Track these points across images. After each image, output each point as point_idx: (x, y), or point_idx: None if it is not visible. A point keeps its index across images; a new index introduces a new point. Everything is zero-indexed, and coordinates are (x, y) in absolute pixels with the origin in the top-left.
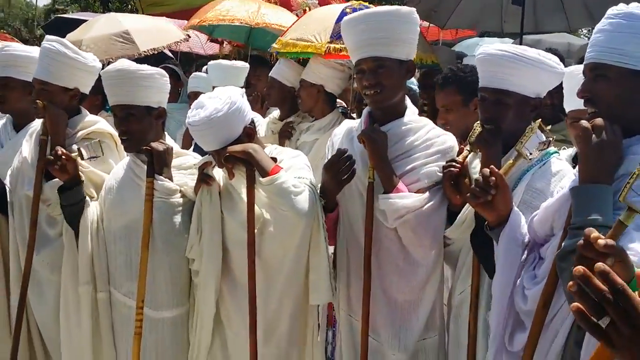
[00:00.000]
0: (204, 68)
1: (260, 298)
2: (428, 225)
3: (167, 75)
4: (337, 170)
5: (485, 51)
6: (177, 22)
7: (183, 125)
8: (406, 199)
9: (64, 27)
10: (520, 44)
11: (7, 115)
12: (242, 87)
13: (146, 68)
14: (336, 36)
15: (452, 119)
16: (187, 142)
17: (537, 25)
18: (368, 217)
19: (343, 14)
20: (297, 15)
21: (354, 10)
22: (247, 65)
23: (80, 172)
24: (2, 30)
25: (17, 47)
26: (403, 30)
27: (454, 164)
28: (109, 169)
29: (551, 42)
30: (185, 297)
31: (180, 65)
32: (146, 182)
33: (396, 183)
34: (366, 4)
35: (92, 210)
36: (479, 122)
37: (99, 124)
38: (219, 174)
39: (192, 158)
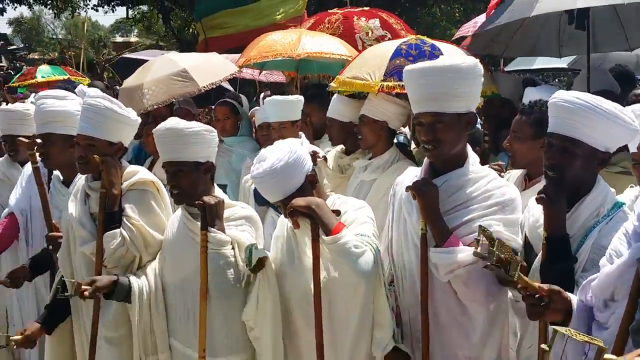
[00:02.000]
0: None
1: (328, 354)
2: (481, 280)
3: (214, 130)
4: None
5: (560, 97)
6: (229, 57)
7: (247, 158)
8: (457, 253)
9: (127, 66)
10: (588, 67)
11: (55, 174)
12: (299, 120)
13: (194, 125)
14: (390, 74)
15: (517, 148)
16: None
17: (596, 46)
18: (423, 268)
19: (398, 51)
20: (360, 38)
21: (410, 47)
22: (301, 98)
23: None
24: (69, 52)
25: (54, 103)
26: (463, 85)
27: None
28: (156, 219)
29: (619, 58)
30: (242, 344)
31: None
32: (200, 235)
33: (447, 237)
34: (423, 38)
35: (143, 283)
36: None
37: (140, 173)
38: (283, 223)
39: (240, 209)
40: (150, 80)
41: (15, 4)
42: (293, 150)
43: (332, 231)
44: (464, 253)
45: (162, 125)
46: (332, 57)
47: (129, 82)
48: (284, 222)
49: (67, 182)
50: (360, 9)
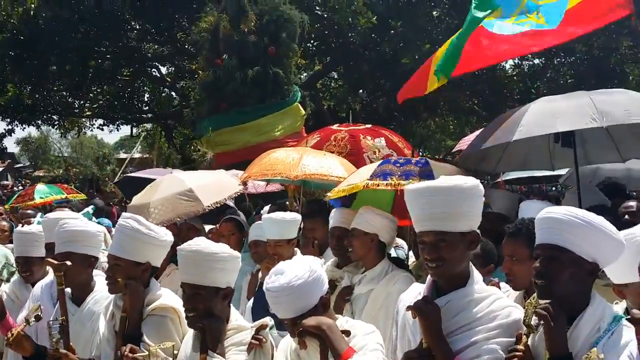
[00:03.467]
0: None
1: None
2: None
3: (239, 256)
4: None
5: (548, 210)
6: (234, 173)
7: (247, 274)
8: None
9: (132, 184)
10: (577, 181)
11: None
12: (295, 238)
13: (222, 250)
14: (376, 175)
15: (517, 271)
16: (251, 291)
17: (589, 159)
18: None
19: (387, 160)
20: (368, 158)
21: (399, 158)
22: (298, 217)
23: None
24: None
25: (75, 223)
26: (466, 204)
27: (516, 353)
28: (169, 351)
29: (610, 170)
30: None
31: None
32: (199, 358)
33: (451, 359)
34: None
35: None
36: (531, 300)
37: (162, 298)
38: (284, 348)
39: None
40: (157, 199)
41: (24, 125)
42: (313, 269)
43: (341, 356)
44: None
45: (189, 245)
46: (330, 179)
47: (137, 199)
48: (286, 346)
49: (78, 301)
50: (364, 126)
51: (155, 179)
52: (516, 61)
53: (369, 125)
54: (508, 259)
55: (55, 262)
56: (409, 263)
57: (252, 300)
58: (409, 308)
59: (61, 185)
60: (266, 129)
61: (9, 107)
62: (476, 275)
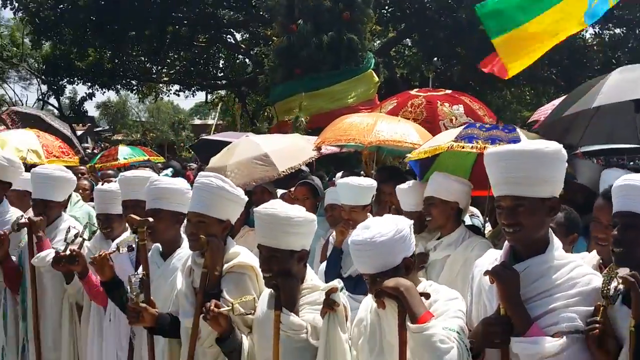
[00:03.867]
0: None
1: None
2: None
3: (314, 219)
4: (494, 332)
5: (624, 178)
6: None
7: (321, 238)
8: (541, 344)
9: (207, 148)
10: None
11: (155, 246)
12: (369, 204)
13: (298, 214)
14: (461, 138)
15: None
16: (324, 254)
17: None
18: (503, 356)
19: (472, 124)
20: (444, 125)
21: (483, 125)
22: (373, 184)
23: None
24: (151, 134)
25: (164, 180)
26: (547, 169)
27: (595, 325)
28: (250, 303)
29: None
30: None
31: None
32: (274, 315)
33: (529, 326)
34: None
35: (247, 346)
36: (608, 271)
37: (240, 256)
38: (366, 307)
39: None
40: (233, 162)
41: (104, 89)
42: (400, 228)
43: (418, 320)
44: (549, 344)
45: (264, 207)
46: (405, 145)
47: (213, 162)
48: (367, 306)
49: (165, 256)
50: (443, 92)
51: (230, 142)
52: (597, 30)
53: (448, 91)
54: (602, 225)
55: (138, 218)
56: (485, 232)
57: (324, 263)
58: (486, 273)
59: (142, 147)
60: (339, 95)
61: (89, 71)
62: (556, 242)
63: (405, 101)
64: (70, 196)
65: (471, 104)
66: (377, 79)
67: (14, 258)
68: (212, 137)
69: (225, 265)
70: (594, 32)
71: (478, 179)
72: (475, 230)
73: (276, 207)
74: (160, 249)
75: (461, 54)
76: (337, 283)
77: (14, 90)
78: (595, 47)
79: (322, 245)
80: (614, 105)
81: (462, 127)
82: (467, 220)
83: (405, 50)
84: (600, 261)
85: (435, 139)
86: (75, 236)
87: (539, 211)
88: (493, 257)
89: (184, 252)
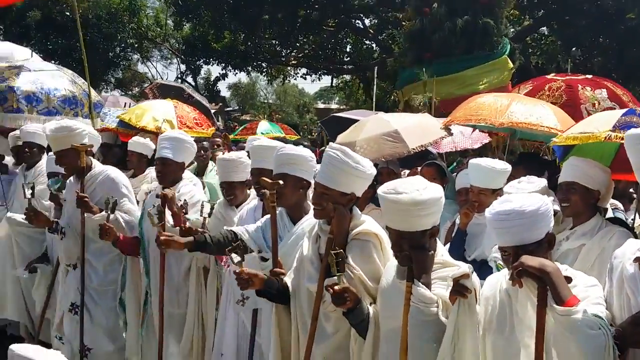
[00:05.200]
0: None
1: None
2: None
3: (442, 195)
4: None
5: None
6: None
7: (447, 221)
8: None
9: (337, 124)
10: None
11: (281, 210)
12: (500, 189)
13: (426, 198)
14: (620, 127)
15: None
16: (448, 237)
17: None
18: None
19: (632, 110)
20: (585, 109)
21: None
22: (507, 168)
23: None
24: (277, 115)
25: (290, 148)
26: None
27: None
28: (374, 269)
29: None
30: None
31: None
32: (405, 286)
33: None
34: None
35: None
36: None
37: (365, 224)
38: (494, 283)
39: (459, 269)
40: (362, 138)
41: (236, 70)
42: (545, 201)
43: (565, 303)
44: None
45: (387, 192)
46: (540, 129)
47: (342, 138)
48: (495, 284)
49: (294, 220)
50: (583, 76)
51: (359, 120)
52: None
53: (589, 76)
54: None
55: (269, 181)
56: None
57: (447, 245)
58: (637, 259)
59: (281, 124)
60: (471, 81)
61: (224, 53)
62: None
63: (542, 85)
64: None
65: (614, 88)
66: (511, 65)
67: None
68: (341, 114)
69: (351, 232)
70: None
71: (621, 163)
72: (618, 222)
73: (400, 191)
74: (287, 214)
75: (604, 44)
76: (468, 269)
77: (156, 69)
78: None
79: (447, 228)
80: None
81: (620, 113)
82: (610, 213)
83: (542, 39)
84: None
85: (587, 124)
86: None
87: None
88: (635, 246)
89: (311, 219)
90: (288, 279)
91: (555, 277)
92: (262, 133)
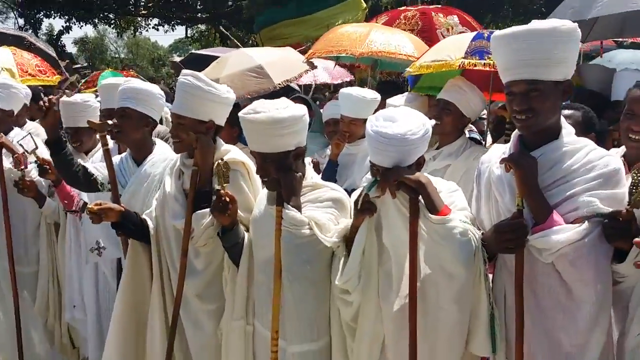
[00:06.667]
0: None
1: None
2: (589, 258)
3: (304, 114)
4: (507, 239)
5: None
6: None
7: (315, 154)
8: (562, 233)
9: (198, 62)
10: None
11: (125, 153)
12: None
13: (284, 114)
14: (471, 53)
15: None
16: (316, 171)
17: None
18: (519, 252)
19: (479, 34)
20: (441, 34)
21: (491, 32)
22: (377, 96)
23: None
24: (131, 71)
25: (136, 82)
26: (561, 49)
27: (614, 226)
28: (244, 198)
29: None
30: (315, 332)
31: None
32: (275, 210)
33: (549, 213)
34: None
35: (247, 241)
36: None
37: (231, 152)
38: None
39: (330, 190)
40: (225, 75)
41: (81, 23)
42: (427, 128)
43: (439, 212)
44: (570, 232)
45: (247, 113)
46: (398, 57)
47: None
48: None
49: (138, 161)
50: (435, 5)
51: (220, 57)
52: None
53: (439, 5)
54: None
55: (97, 122)
56: (486, 143)
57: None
58: (503, 161)
59: (125, 72)
60: (325, 22)
61: (66, 4)
62: (568, 127)
63: (397, 15)
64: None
65: (464, 15)
66: (364, 5)
67: None
68: (201, 51)
69: (217, 163)
70: None
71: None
72: (476, 142)
73: (259, 110)
74: (131, 155)
75: None
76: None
77: None
78: None
79: (313, 160)
80: None
81: (469, 38)
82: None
83: None
84: (622, 158)
85: (438, 51)
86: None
87: (552, 95)
88: (500, 150)
89: (156, 157)
90: (147, 218)
91: (430, 189)
92: None
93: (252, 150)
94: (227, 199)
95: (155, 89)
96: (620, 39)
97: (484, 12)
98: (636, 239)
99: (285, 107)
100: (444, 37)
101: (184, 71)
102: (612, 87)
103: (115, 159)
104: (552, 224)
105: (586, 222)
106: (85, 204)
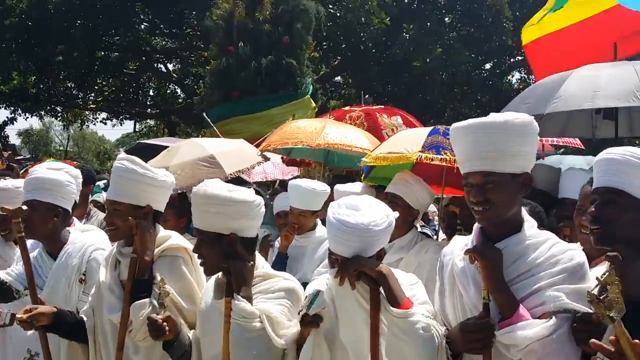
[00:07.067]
0: None
1: None
2: (559, 355)
3: (257, 199)
4: (475, 339)
5: (607, 154)
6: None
7: None
8: (529, 328)
9: (146, 152)
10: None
11: (40, 247)
12: (319, 210)
13: (236, 196)
14: (428, 147)
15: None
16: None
17: (633, 129)
18: (487, 352)
19: (435, 130)
20: (386, 134)
21: (447, 129)
22: (327, 189)
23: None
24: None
25: (43, 171)
26: (517, 142)
27: (582, 330)
28: (186, 285)
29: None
30: None
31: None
32: (224, 302)
33: (516, 307)
34: None
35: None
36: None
37: (172, 239)
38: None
39: (283, 280)
40: (175, 163)
41: (27, 114)
42: (391, 220)
43: (401, 305)
44: (538, 327)
45: (197, 188)
46: (355, 150)
47: (153, 164)
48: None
49: (53, 254)
50: (377, 106)
51: (169, 146)
52: (522, 75)
53: (382, 106)
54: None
55: (10, 208)
56: (438, 238)
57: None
58: (468, 251)
59: (69, 162)
60: (277, 119)
61: (13, 95)
62: (530, 220)
63: (343, 115)
64: None
65: (407, 116)
66: (314, 105)
67: None
68: (149, 141)
69: (157, 250)
70: (520, 77)
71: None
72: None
73: (207, 185)
74: (45, 248)
75: (392, 91)
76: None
77: None
78: (521, 90)
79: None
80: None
81: (426, 133)
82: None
83: (339, 85)
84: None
85: (394, 143)
86: None
87: (509, 187)
88: (463, 242)
89: (71, 247)
90: (83, 315)
91: (392, 281)
92: None
93: (194, 229)
94: (161, 322)
95: (62, 176)
96: (559, 143)
97: (429, 117)
98: (592, 340)
99: (237, 190)
100: (388, 137)
101: (119, 155)
102: (560, 186)
103: (31, 255)
104: (520, 319)
105: (554, 317)
106: (13, 315)
